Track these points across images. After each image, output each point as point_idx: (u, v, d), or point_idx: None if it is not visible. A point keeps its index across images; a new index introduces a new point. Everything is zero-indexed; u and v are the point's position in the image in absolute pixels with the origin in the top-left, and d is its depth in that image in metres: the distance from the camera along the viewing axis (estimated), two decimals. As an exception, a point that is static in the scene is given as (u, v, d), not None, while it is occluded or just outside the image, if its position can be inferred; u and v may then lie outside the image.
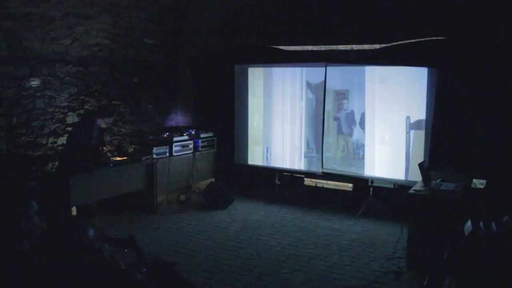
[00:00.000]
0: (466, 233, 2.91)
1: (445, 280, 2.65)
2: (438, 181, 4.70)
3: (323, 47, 6.78)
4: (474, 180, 4.48)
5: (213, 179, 7.32)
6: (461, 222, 3.13)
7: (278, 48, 7.07)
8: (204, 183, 7.13)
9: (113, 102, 6.62)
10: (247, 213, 6.36)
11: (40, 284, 1.93)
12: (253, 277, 4.34)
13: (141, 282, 2.15)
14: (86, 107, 6.21)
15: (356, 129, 6.31)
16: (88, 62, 6.23)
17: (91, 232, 2.03)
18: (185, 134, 6.98)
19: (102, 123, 5.69)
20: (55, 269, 1.92)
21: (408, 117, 5.89)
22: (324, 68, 6.45)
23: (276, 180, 7.08)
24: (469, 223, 3.00)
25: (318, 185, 7.06)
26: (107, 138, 6.49)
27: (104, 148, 6.27)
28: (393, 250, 4.91)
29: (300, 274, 4.43)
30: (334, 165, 6.53)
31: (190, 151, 6.92)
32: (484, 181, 4.45)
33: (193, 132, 7.14)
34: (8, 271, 1.95)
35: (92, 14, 6.12)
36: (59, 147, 5.89)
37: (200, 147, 7.05)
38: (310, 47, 6.89)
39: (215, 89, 7.71)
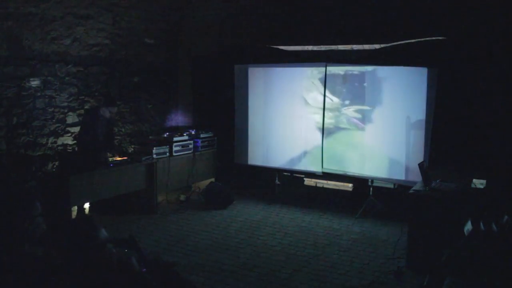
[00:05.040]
0: (466, 233, 2.92)
1: (445, 280, 2.65)
2: (438, 181, 4.70)
3: (323, 47, 6.78)
4: (474, 180, 4.48)
5: (213, 179, 7.32)
6: (461, 222, 3.13)
7: (278, 48, 7.07)
8: (204, 183, 7.13)
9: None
10: (247, 213, 6.36)
11: (46, 285, 1.92)
12: (253, 277, 4.34)
13: (152, 285, 2.16)
14: (86, 107, 6.22)
15: (356, 129, 6.31)
16: (88, 62, 6.24)
17: (103, 234, 2.03)
18: (185, 134, 6.98)
19: (106, 112, 5.70)
20: (62, 270, 1.91)
21: (408, 117, 5.89)
22: (324, 68, 6.45)
23: (276, 180, 7.08)
24: (469, 223, 3.01)
25: (318, 185, 7.06)
26: (119, 126, 6.51)
27: (115, 140, 6.30)
28: (393, 250, 4.91)
29: (300, 274, 4.43)
30: (333, 165, 6.53)
31: (190, 151, 6.92)
32: (484, 181, 4.45)
33: (193, 132, 7.14)
34: (11, 272, 1.95)
35: (92, 14, 6.13)
36: (59, 147, 5.90)
37: (200, 147, 7.05)
38: (310, 47, 6.89)
39: (215, 89, 7.71)
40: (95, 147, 5.60)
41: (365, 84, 6.20)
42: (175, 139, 6.68)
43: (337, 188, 6.87)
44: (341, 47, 6.64)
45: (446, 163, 5.60)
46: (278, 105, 6.96)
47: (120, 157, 6.06)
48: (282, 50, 7.06)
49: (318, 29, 6.56)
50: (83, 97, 6.21)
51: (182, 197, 6.91)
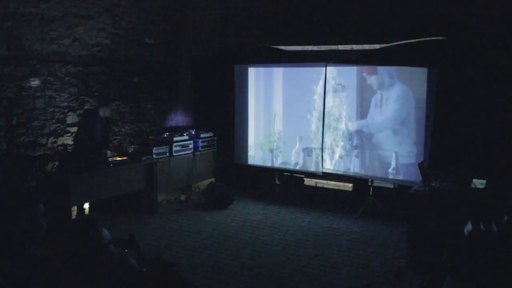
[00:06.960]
0: (466, 233, 2.91)
1: (445, 280, 2.65)
2: (438, 181, 4.70)
3: (323, 47, 6.78)
4: (474, 180, 4.48)
5: (213, 179, 7.32)
6: (461, 222, 3.13)
7: (278, 48, 7.07)
8: (204, 183, 7.13)
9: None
10: (247, 213, 6.36)
11: (46, 286, 1.92)
12: (253, 277, 4.34)
13: (153, 285, 2.15)
14: (86, 107, 6.22)
15: (356, 129, 6.30)
16: (88, 62, 6.23)
17: (106, 234, 2.03)
18: (185, 134, 6.98)
19: (107, 111, 5.84)
20: (62, 271, 1.91)
21: (408, 117, 5.89)
22: (324, 68, 6.45)
23: (276, 180, 7.08)
24: (469, 223, 3.00)
25: (318, 185, 7.06)
26: (119, 126, 6.56)
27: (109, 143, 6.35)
28: (393, 250, 4.91)
29: (300, 274, 4.43)
30: (333, 165, 6.53)
31: (190, 151, 6.92)
32: (484, 181, 4.45)
33: (193, 132, 7.14)
34: (11, 273, 1.95)
35: (92, 14, 6.12)
36: (59, 147, 5.89)
37: (200, 147, 7.05)
38: (310, 47, 6.89)
39: (215, 89, 7.71)
40: (92, 147, 5.66)
41: (365, 84, 6.19)
42: (175, 139, 6.68)
43: (337, 188, 6.87)
44: (341, 47, 6.64)
45: (446, 163, 5.60)
46: (278, 105, 6.96)
47: (120, 157, 6.06)
48: (282, 50, 7.06)
49: (318, 29, 6.55)
50: (83, 97, 6.20)
51: (182, 197, 6.91)
